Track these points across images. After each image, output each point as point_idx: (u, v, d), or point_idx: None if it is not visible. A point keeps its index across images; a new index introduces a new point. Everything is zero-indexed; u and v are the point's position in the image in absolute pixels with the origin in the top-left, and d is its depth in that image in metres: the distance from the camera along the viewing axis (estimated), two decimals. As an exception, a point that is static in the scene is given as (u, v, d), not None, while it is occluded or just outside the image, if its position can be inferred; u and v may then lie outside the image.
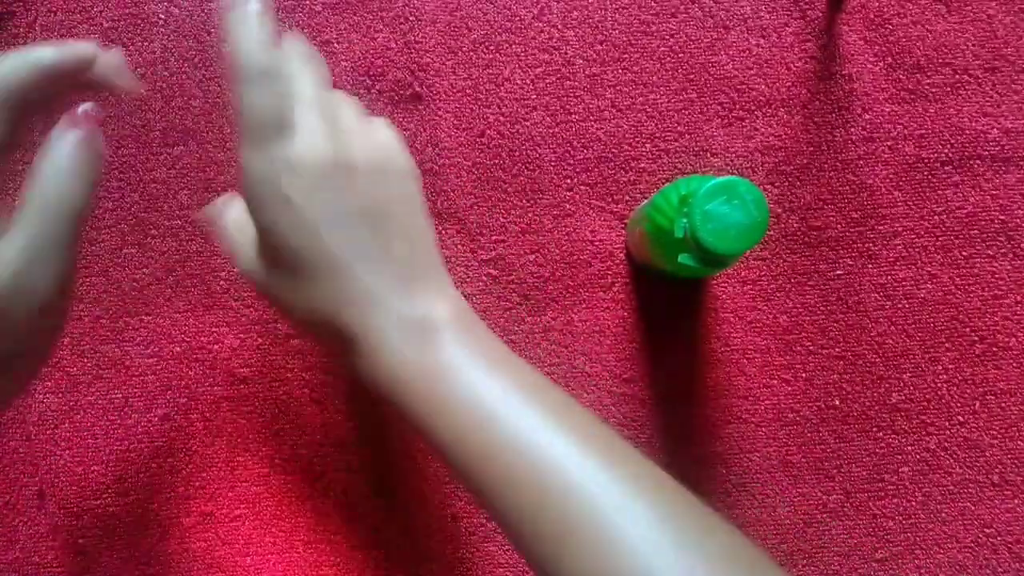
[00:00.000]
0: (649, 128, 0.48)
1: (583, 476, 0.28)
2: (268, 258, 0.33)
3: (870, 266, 0.47)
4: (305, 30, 0.49)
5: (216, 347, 0.47)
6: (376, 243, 0.32)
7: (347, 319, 0.32)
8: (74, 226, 0.29)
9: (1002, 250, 0.47)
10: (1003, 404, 0.46)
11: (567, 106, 0.48)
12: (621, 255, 0.47)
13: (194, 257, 0.47)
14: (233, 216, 0.36)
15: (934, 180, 0.47)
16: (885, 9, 0.48)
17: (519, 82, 0.48)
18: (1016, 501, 0.46)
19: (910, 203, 0.47)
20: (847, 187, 0.47)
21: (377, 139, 0.34)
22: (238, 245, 0.35)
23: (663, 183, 0.47)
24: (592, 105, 0.48)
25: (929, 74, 0.48)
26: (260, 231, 0.32)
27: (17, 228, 0.28)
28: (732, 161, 0.48)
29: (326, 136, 0.32)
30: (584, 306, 0.47)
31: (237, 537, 0.46)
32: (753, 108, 0.48)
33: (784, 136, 0.48)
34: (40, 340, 0.31)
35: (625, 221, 0.47)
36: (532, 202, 0.47)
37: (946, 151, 0.47)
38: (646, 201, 0.44)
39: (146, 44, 0.48)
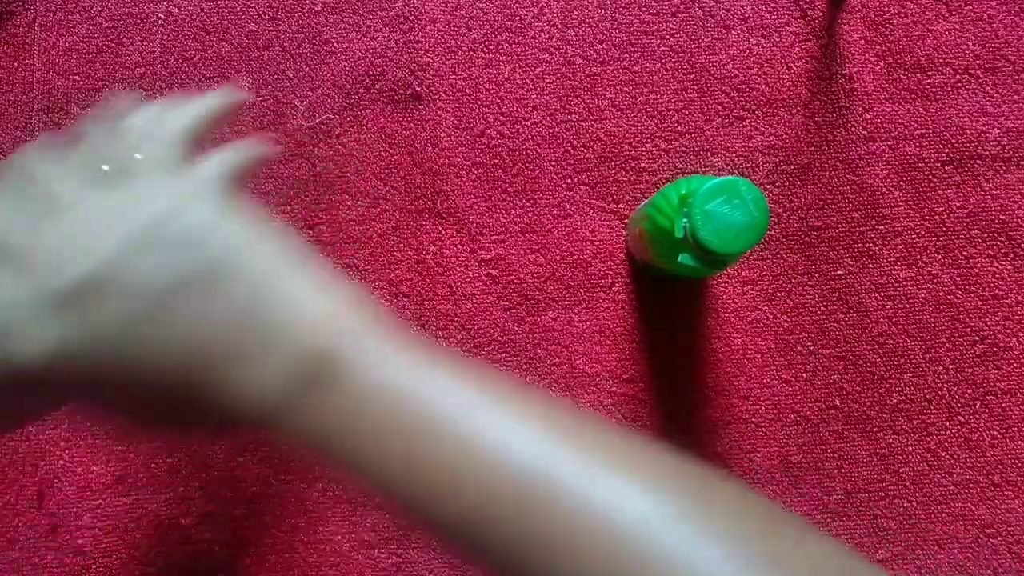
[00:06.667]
0: (649, 128, 0.48)
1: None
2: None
3: (871, 266, 0.47)
4: (305, 30, 0.48)
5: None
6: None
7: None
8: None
9: (1003, 250, 0.47)
10: (1004, 404, 0.46)
11: (567, 106, 0.48)
12: (621, 255, 0.47)
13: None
14: None
15: (935, 180, 0.47)
16: (885, 9, 0.48)
17: (519, 82, 0.48)
18: (1017, 501, 0.46)
19: (911, 203, 0.47)
20: (848, 187, 0.47)
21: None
22: None
23: (663, 183, 0.47)
24: (592, 105, 0.48)
25: (930, 74, 0.48)
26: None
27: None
28: (732, 161, 0.48)
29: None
30: (584, 306, 0.47)
31: (237, 537, 0.46)
32: (753, 108, 0.48)
33: (784, 136, 0.48)
34: None
35: (625, 221, 0.47)
36: (532, 202, 0.47)
37: (947, 151, 0.47)
38: (646, 201, 0.44)
39: (146, 44, 0.48)
